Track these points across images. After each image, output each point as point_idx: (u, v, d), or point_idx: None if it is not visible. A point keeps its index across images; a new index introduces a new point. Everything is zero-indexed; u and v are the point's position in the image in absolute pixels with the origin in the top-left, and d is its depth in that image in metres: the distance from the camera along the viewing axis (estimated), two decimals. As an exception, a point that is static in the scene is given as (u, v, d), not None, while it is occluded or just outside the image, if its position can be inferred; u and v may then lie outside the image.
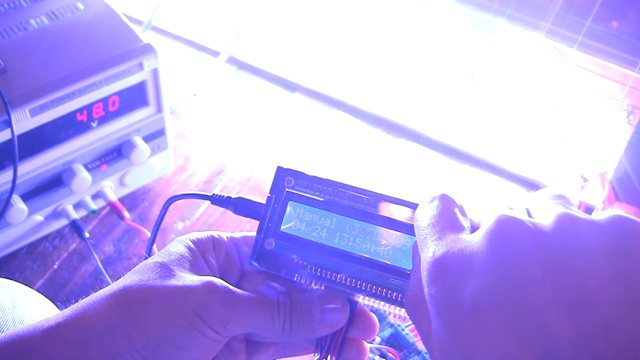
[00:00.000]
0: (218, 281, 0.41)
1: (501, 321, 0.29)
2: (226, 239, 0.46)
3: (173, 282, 0.41)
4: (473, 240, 0.31)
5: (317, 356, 0.44)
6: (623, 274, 0.29)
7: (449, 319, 0.30)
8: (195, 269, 0.43)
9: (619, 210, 0.31)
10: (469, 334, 0.29)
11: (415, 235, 0.36)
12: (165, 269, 0.42)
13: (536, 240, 0.30)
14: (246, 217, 0.45)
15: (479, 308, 0.29)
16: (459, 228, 0.33)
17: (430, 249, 0.32)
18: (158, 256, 0.43)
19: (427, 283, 0.32)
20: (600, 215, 0.31)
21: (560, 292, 0.29)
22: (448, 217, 0.34)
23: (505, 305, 0.29)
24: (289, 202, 0.44)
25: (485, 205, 0.35)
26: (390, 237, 0.42)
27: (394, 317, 0.70)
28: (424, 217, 0.35)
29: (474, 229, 0.34)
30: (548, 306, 0.28)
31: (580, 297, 0.28)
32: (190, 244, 0.44)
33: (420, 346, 0.69)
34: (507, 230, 0.31)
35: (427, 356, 0.68)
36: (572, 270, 0.29)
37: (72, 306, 0.42)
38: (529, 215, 0.34)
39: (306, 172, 0.44)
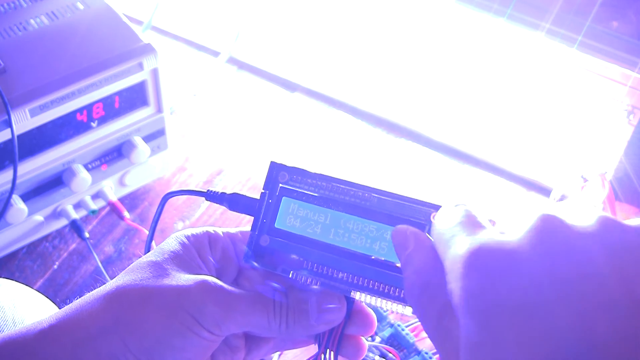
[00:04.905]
0: (212, 280, 0.41)
1: (551, 321, 0.28)
2: (222, 235, 0.45)
3: (167, 282, 0.41)
4: (513, 237, 0.30)
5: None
6: None
7: (489, 316, 0.29)
8: (190, 267, 0.42)
9: None
10: (513, 333, 0.28)
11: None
12: (159, 269, 0.42)
13: (583, 239, 0.29)
14: (241, 213, 0.45)
15: (526, 307, 0.28)
16: (490, 228, 0.32)
17: (464, 243, 0.31)
18: (152, 254, 0.43)
19: (460, 276, 0.30)
20: (635, 221, 0.30)
21: (611, 294, 0.28)
22: (477, 218, 0.33)
23: (556, 304, 0.28)
24: (283, 197, 0.43)
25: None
26: (385, 233, 0.42)
27: (393, 314, 0.70)
28: (450, 217, 0.34)
29: None
30: (598, 307, 0.28)
31: (629, 299, 0.28)
32: (185, 240, 0.44)
33: (421, 346, 0.69)
34: (553, 228, 0.30)
35: (427, 356, 0.68)
36: (620, 271, 0.28)
37: (65, 307, 0.42)
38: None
39: (300, 167, 0.44)
